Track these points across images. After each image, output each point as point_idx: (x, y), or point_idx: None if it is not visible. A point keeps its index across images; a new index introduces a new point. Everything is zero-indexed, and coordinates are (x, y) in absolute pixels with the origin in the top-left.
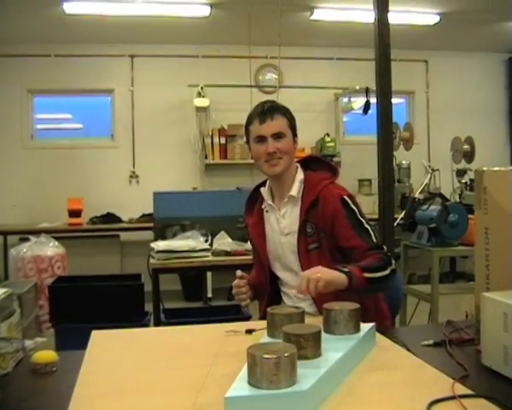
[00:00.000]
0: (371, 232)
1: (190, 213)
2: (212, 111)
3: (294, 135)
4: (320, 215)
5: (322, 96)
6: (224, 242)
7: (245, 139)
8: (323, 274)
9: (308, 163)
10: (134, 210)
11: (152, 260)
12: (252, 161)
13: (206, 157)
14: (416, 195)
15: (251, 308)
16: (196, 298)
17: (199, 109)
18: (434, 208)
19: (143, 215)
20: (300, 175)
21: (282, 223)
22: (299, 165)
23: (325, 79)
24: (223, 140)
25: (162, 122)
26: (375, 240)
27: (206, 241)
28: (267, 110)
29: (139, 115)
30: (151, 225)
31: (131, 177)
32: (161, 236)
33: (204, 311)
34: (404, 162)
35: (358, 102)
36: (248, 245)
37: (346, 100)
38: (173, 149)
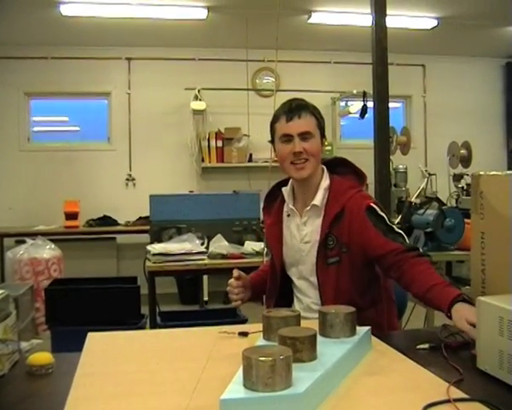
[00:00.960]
0: (404, 235)
1: (187, 216)
2: (208, 114)
3: (323, 136)
4: (345, 229)
5: (319, 100)
6: (220, 245)
7: (270, 140)
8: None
9: (334, 166)
10: (130, 213)
11: (148, 263)
12: (249, 164)
13: (202, 160)
14: (413, 199)
15: (247, 311)
16: (192, 301)
17: (196, 112)
18: (431, 213)
19: (140, 218)
20: (326, 181)
21: (304, 230)
22: (325, 168)
23: (322, 83)
24: (219, 143)
25: (159, 125)
26: (408, 241)
27: (203, 244)
28: (295, 107)
29: (136, 118)
30: (147, 227)
31: (128, 180)
32: (157, 238)
33: (200, 314)
34: (400, 167)
35: (355, 106)
36: (244, 248)
37: (343, 104)
38: (170, 152)
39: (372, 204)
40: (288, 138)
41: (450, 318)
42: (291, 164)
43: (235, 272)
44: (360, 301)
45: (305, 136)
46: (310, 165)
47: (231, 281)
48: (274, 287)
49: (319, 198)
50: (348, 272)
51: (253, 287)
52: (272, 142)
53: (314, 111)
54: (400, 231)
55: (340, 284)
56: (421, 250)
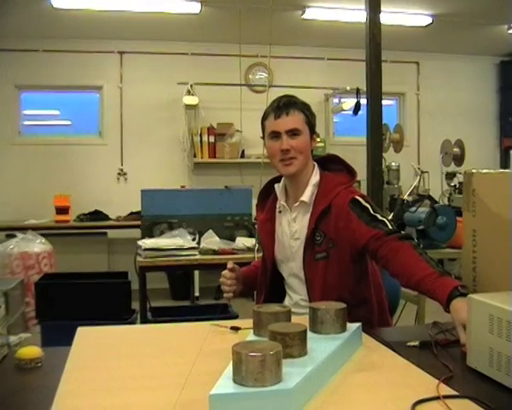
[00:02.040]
0: (387, 222)
1: (178, 211)
2: (201, 109)
3: (312, 132)
4: (331, 225)
5: (312, 97)
6: (211, 240)
7: (261, 135)
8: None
9: (326, 162)
10: (122, 208)
11: (139, 258)
12: (241, 160)
13: (194, 156)
14: (405, 197)
15: (238, 308)
16: (183, 297)
17: (188, 107)
18: (423, 210)
19: (131, 213)
20: (315, 177)
21: (294, 227)
22: (316, 164)
23: (316, 79)
24: (212, 139)
25: (151, 120)
26: (391, 227)
27: (194, 239)
28: (283, 105)
29: (128, 113)
30: (138, 222)
31: (119, 174)
32: (149, 234)
33: (191, 309)
34: (393, 164)
35: (349, 103)
36: (236, 244)
37: (336, 100)
38: (162, 147)
39: (356, 196)
40: (276, 135)
41: (447, 311)
42: (279, 161)
43: (230, 264)
44: (349, 297)
45: (292, 133)
46: (297, 162)
47: (225, 272)
48: (265, 283)
49: (308, 194)
50: (336, 267)
51: (245, 281)
52: (263, 138)
53: (303, 108)
54: (383, 218)
55: (327, 280)
56: (402, 232)
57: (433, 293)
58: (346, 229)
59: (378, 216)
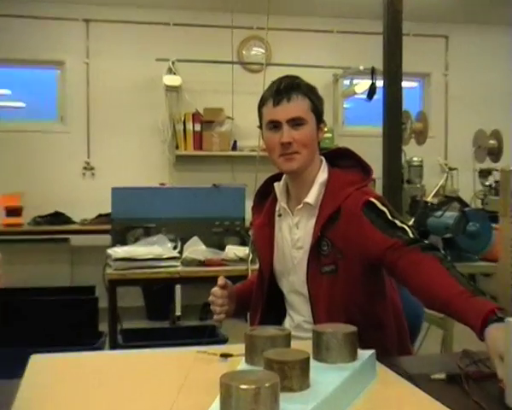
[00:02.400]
0: (408, 229)
1: (157, 213)
2: (184, 92)
3: (319, 121)
4: (341, 232)
5: (318, 77)
6: (196, 249)
7: (257, 123)
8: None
9: (336, 157)
10: (88, 209)
11: (109, 270)
12: (233, 152)
13: (176, 147)
14: (429, 198)
15: (228, 330)
16: (162, 317)
17: (169, 89)
18: (451, 215)
19: (99, 215)
20: (323, 175)
21: (296, 233)
22: (324, 159)
23: (322, 57)
24: (197, 127)
25: (124, 103)
26: (412, 236)
27: (175, 248)
28: (284, 88)
29: (96, 94)
30: (108, 227)
31: (85, 169)
32: (121, 241)
33: (171, 332)
34: (415, 159)
35: (362, 86)
36: (226, 253)
37: (347, 82)
38: (137, 136)
39: (371, 199)
40: (275, 126)
41: (482, 340)
42: (280, 156)
43: (221, 280)
44: (362, 319)
45: (295, 122)
46: (300, 157)
47: (215, 290)
48: (261, 301)
49: (313, 195)
50: (345, 283)
51: (239, 299)
52: (261, 127)
53: (308, 92)
54: (402, 225)
55: (335, 298)
56: (426, 242)
57: (463, 317)
58: (358, 237)
59: (397, 222)
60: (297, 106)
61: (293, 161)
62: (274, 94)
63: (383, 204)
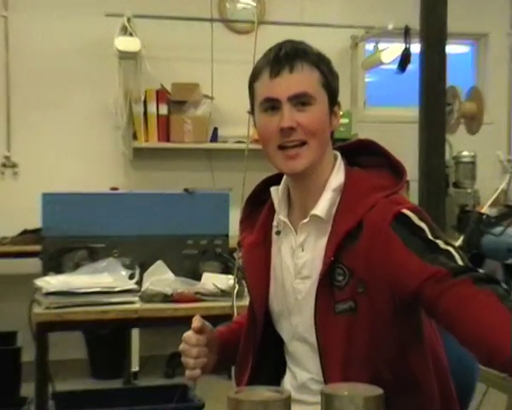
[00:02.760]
0: (455, 253)
1: (106, 229)
2: (145, 60)
3: (333, 103)
4: (361, 257)
5: (330, 41)
6: (161, 279)
7: (249, 108)
8: None
9: (356, 153)
10: (8, 223)
11: (37, 309)
12: (212, 145)
13: (134, 137)
14: (485, 209)
15: (204, 390)
16: (113, 373)
17: (123, 56)
18: None
19: (24, 232)
20: (338, 177)
21: (301, 258)
22: (339, 155)
23: (336, 12)
24: (163, 109)
25: (60, 76)
26: (461, 262)
27: (132, 277)
28: (285, 55)
29: (18, 62)
30: (38, 248)
31: (4, 166)
32: (55, 267)
33: (126, 395)
34: (465, 154)
35: (391, 52)
36: (202, 284)
37: (370, 48)
38: (79, 121)
39: (405, 211)
40: (272, 106)
41: None
42: (278, 149)
43: (197, 321)
44: (391, 377)
45: (300, 100)
46: (307, 150)
47: (188, 335)
48: (250, 351)
49: (324, 205)
50: (368, 326)
51: (220, 349)
52: (252, 112)
53: (318, 60)
54: (447, 247)
55: (354, 347)
56: (480, 271)
57: None
58: (385, 263)
59: (440, 243)
60: (303, 78)
61: (297, 158)
62: (272, 62)
63: (421, 218)
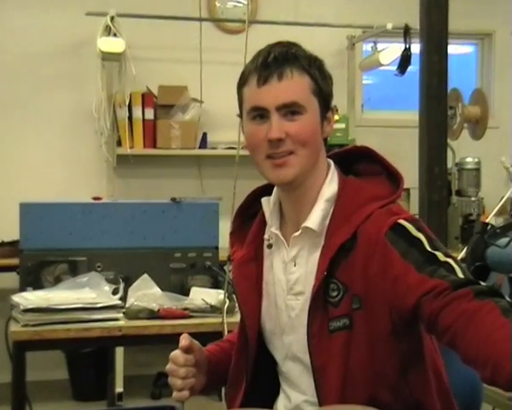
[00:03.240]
0: (455, 265)
1: (88, 241)
2: (130, 61)
3: (326, 109)
4: (357, 271)
5: (326, 41)
6: (146, 294)
7: (237, 112)
8: None
9: (352, 161)
10: None
11: (14, 327)
12: (201, 151)
13: (119, 143)
14: (489, 218)
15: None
16: (95, 395)
17: (107, 57)
18: None
19: (1, 244)
20: (331, 187)
21: (293, 272)
22: (332, 164)
23: (333, 11)
24: (149, 114)
25: (39, 77)
26: (461, 275)
27: (116, 292)
28: (273, 61)
29: None
30: (15, 261)
31: None
32: (33, 282)
33: None
34: (469, 160)
35: (390, 53)
36: (190, 300)
37: (368, 48)
38: (59, 127)
39: (401, 221)
40: (260, 114)
41: None
42: (267, 158)
43: (185, 340)
44: (390, 399)
45: (289, 110)
46: (296, 160)
47: (176, 354)
48: (243, 371)
49: (316, 217)
50: (365, 344)
51: (210, 369)
52: (241, 116)
53: (309, 65)
54: (447, 259)
55: (350, 367)
56: (482, 284)
57: None
58: (382, 277)
59: (438, 255)
60: (292, 86)
61: (285, 168)
62: (259, 68)
63: (418, 229)
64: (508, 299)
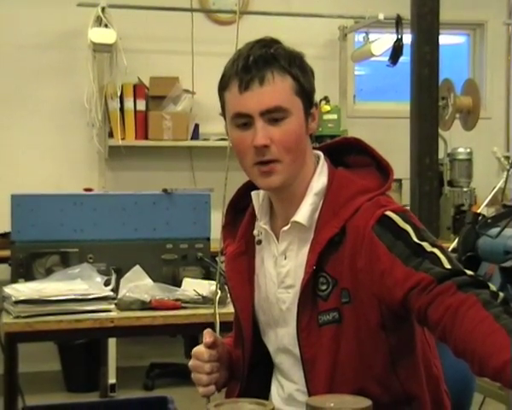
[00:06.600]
0: (441, 255)
1: (80, 233)
2: (122, 53)
3: (309, 105)
4: (346, 264)
5: (317, 32)
6: (138, 285)
7: (220, 111)
8: None
9: (341, 152)
10: None
11: (6, 319)
12: (193, 142)
13: (110, 135)
14: (481, 209)
15: (184, 403)
16: (88, 386)
17: (98, 48)
18: None
19: None
20: (320, 180)
21: (284, 266)
22: (321, 156)
23: (324, 3)
24: (141, 105)
25: (29, 68)
26: (447, 264)
27: (108, 283)
28: (254, 63)
29: None
30: (6, 253)
31: None
32: (25, 273)
33: (102, 409)
34: (461, 151)
35: (382, 43)
36: (182, 291)
37: (360, 39)
38: (50, 117)
39: (388, 213)
40: (244, 122)
41: None
42: (254, 165)
43: (209, 335)
44: (380, 390)
45: (272, 116)
46: (282, 168)
47: (200, 350)
48: (241, 363)
49: (305, 211)
50: (355, 337)
51: (232, 362)
52: (224, 116)
53: (289, 64)
54: (433, 250)
55: (340, 360)
56: (467, 274)
57: None
58: (369, 270)
59: (425, 246)
60: (274, 90)
61: (272, 175)
62: (240, 73)
63: (405, 220)
64: (491, 286)
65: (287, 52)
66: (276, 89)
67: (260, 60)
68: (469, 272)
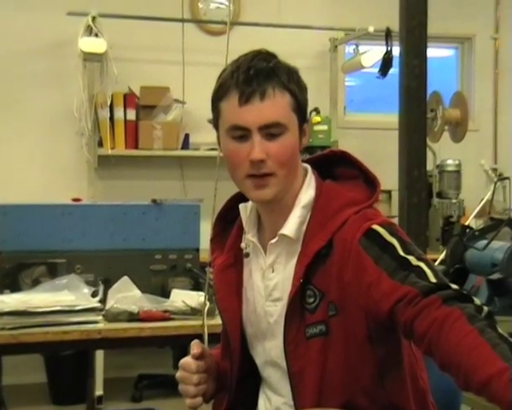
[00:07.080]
0: (426, 269)
1: (67, 243)
2: (112, 62)
3: (303, 122)
4: (333, 277)
5: (309, 44)
6: (126, 296)
7: (211, 118)
8: None
9: (329, 164)
10: None
11: None
12: (183, 152)
13: (100, 144)
14: (469, 220)
15: None
16: (75, 398)
17: (88, 58)
18: (500, 246)
19: None
20: (308, 193)
21: (271, 279)
22: (309, 169)
23: (314, 14)
24: (131, 115)
25: (17, 79)
26: (433, 278)
27: (95, 294)
28: (255, 76)
29: None
30: None
31: None
32: (11, 284)
33: None
34: (449, 163)
35: (372, 55)
36: (171, 302)
37: (350, 51)
38: (39, 128)
39: (375, 226)
40: (242, 135)
41: None
42: (247, 178)
43: (196, 347)
44: (367, 403)
45: (270, 131)
46: (276, 181)
47: (187, 362)
48: (228, 375)
49: (292, 224)
50: (342, 350)
51: (220, 373)
52: (216, 127)
53: (288, 80)
54: (419, 263)
55: (327, 373)
56: (452, 288)
57: (508, 406)
58: (356, 284)
59: (411, 259)
60: (274, 106)
61: (266, 189)
62: (241, 86)
63: (392, 233)
64: (476, 300)
65: (285, 67)
66: (276, 104)
67: (262, 74)
68: (454, 286)
